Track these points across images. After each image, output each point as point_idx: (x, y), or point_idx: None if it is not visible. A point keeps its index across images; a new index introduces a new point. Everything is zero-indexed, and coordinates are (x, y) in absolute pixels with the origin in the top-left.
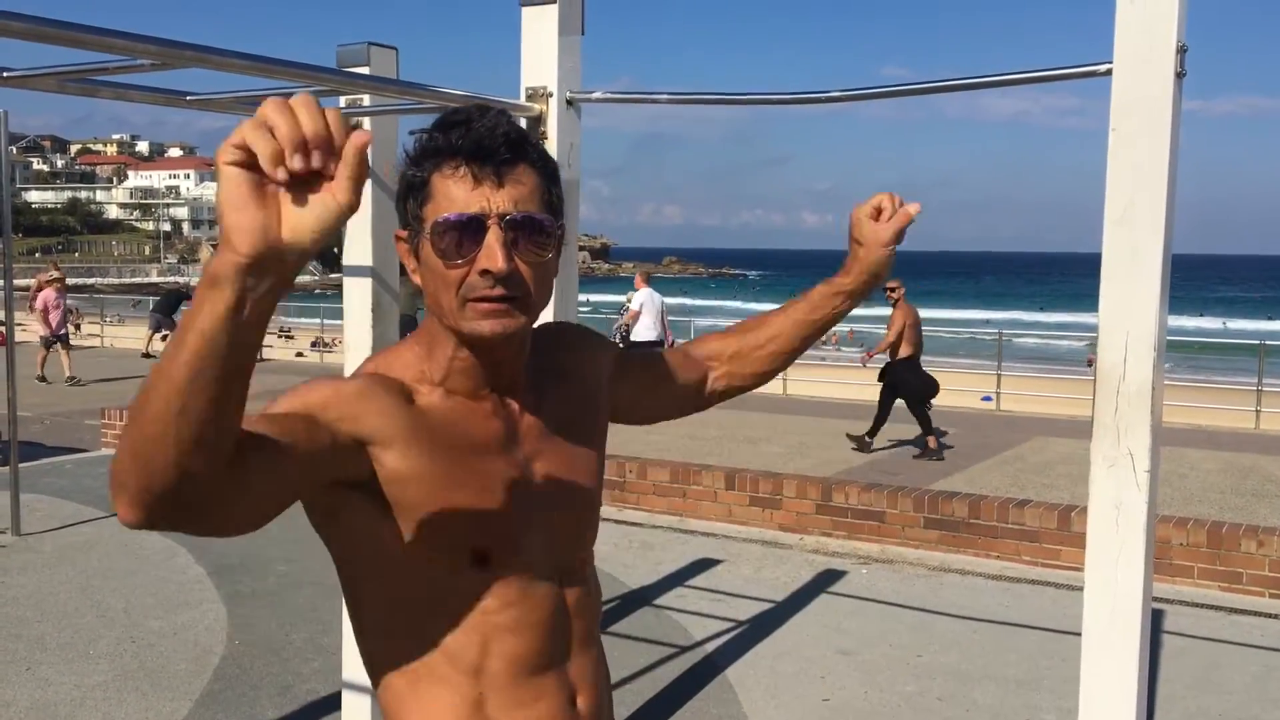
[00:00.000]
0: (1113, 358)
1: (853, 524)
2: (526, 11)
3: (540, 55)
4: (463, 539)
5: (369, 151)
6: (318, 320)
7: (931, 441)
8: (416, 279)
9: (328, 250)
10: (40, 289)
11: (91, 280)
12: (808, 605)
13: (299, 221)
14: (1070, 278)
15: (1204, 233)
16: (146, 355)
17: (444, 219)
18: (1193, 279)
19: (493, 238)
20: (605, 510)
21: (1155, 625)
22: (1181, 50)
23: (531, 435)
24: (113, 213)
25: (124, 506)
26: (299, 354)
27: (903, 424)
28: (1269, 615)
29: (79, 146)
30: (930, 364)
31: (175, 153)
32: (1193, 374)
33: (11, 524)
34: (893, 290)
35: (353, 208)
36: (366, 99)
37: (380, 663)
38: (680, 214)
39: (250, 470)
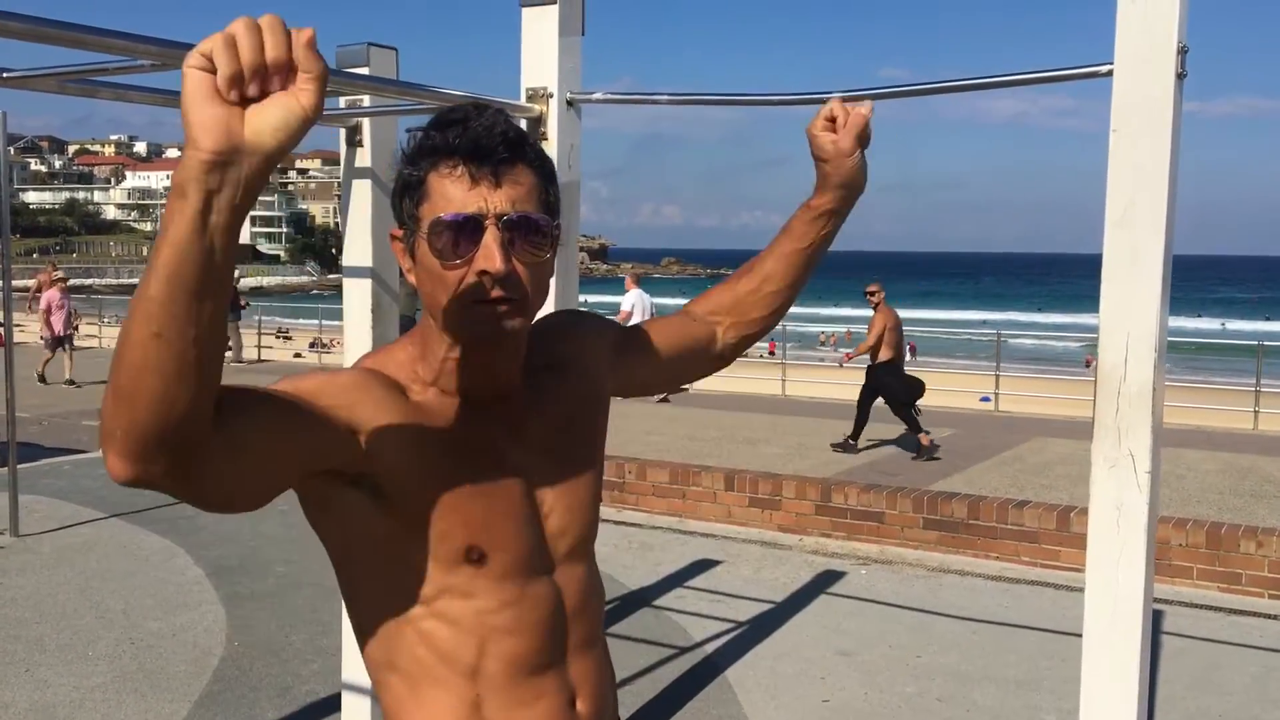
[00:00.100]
0: (1113, 358)
1: (852, 525)
2: (527, 12)
3: (540, 56)
4: (457, 536)
5: (367, 146)
6: (316, 321)
7: (924, 439)
8: (412, 279)
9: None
10: (42, 289)
11: (89, 281)
12: (807, 606)
13: (261, 122)
14: (1068, 278)
15: (1202, 233)
16: None
17: (441, 219)
18: (1191, 280)
19: (490, 238)
20: (605, 511)
21: (1155, 626)
22: (1182, 51)
23: (527, 435)
24: (110, 213)
25: (113, 456)
26: (297, 354)
27: (896, 425)
28: (1268, 616)
29: (77, 147)
30: (929, 364)
31: (173, 153)
32: (1191, 375)
33: (10, 525)
34: (872, 294)
35: (316, 110)
36: (366, 99)
37: (379, 664)
38: (679, 215)
39: (240, 431)
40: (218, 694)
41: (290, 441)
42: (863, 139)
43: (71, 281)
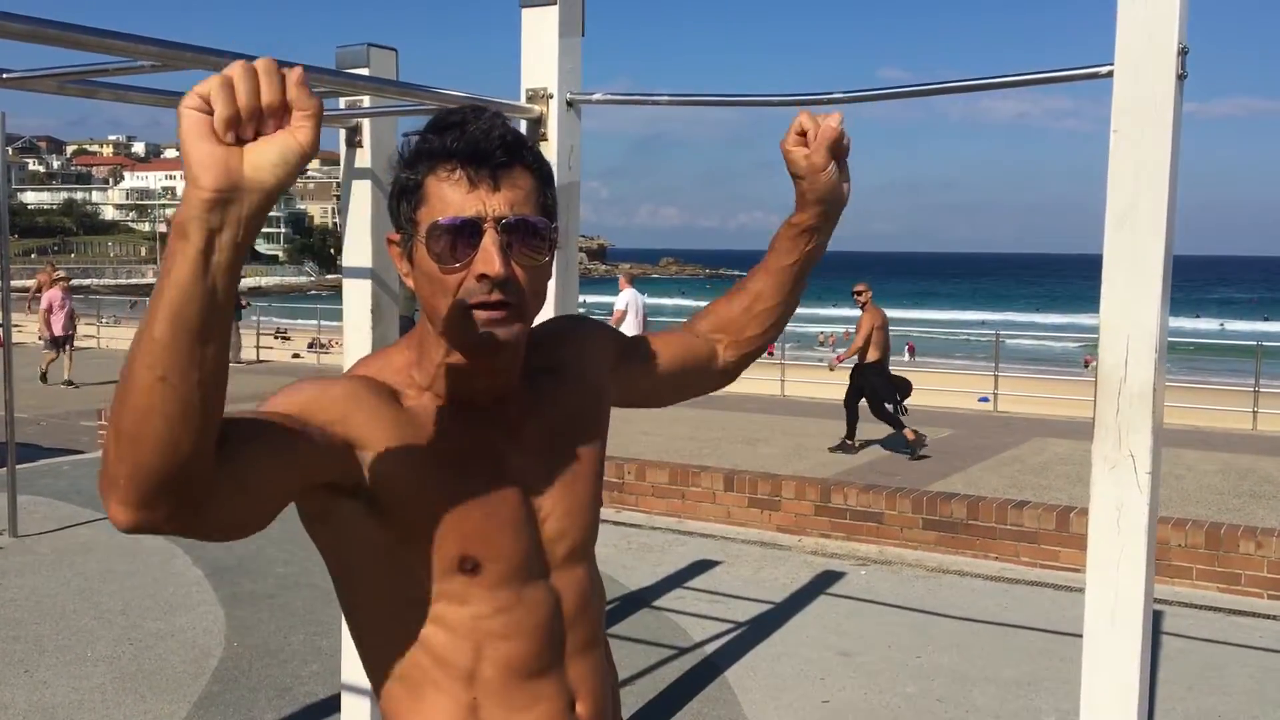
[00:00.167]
0: (1114, 359)
1: (851, 525)
2: (527, 13)
3: (540, 57)
4: (450, 546)
5: (367, 147)
6: (314, 321)
7: (909, 434)
8: (410, 283)
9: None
10: (42, 289)
11: (87, 281)
12: (807, 606)
13: (260, 158)
14: (1067, 279)
15: (1200, 234)
16: None
17: (439, 223)
18: (1190, 280)
19: (489, 241)
20: (604, 512)
21: (1154, 626)
22: (1183, 52)
23: (525, 439)
24: (108, 214)
25: (116, 505)
26: (296, 355)
27: (907, 425)
28: (1267, 616)
29: (75, 147)
30: (927, 365)
31: (171, 154)
32: (1190, 375)
33: (9, 526)
34: (860, 293)
35: (313, 146)
36: (366, 100)
37: (377, 669)
38: (678, 215)
39: (242, 465)
40: (217, 695)
41: (291, 466)
42: (836, 151)
43: (70, 282)
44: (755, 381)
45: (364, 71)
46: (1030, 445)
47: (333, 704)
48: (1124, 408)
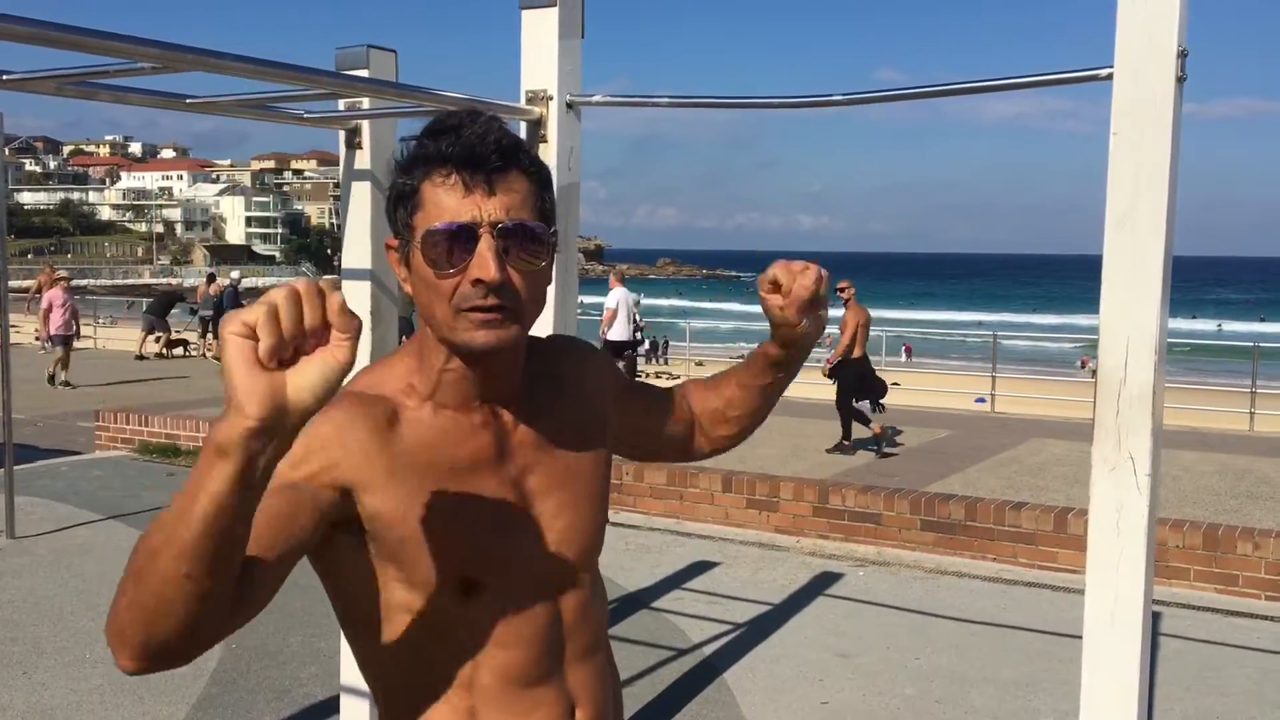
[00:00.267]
0: (1114, 361)
1: (849, 526)
2: (526, 15)
3: (540, 58)
4: (450, 570)
5: (366, 148)
6: None
7: (875, 428)
8: (408, 288)
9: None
10: (42, 289)
11: (84, 282)
12: (805, 608)
13: (303, 381)
14: (1064, 280)
15: (1198, 235)
16: (140, 357)
17: (434, 228)
18: (1187, 281)
19: (485, 246)
20: None
21: (1153, 627)
22: (1182, 54)
23: (526, 447)
24: (105, 214)
25: (127, 659)
26: None
27: (901, 425)
28: (1265, 617)
29: (72, 148)
30: (924, 365)
31: (168, 154)
32: (1187, 376)
33: (6, 527)
34: (843, 290)
35: (351, 363)
36: (366, 102)
37: (375, 674)
38: (675, 215)
39: (250, 585)
40: (215, 697)
41: (292, 553)
42: (810, 307)
43: (71, 282)
44: None
45: (363, 73)
46: (1027, 446)
47: (331, 705)
48: (1124, 409)
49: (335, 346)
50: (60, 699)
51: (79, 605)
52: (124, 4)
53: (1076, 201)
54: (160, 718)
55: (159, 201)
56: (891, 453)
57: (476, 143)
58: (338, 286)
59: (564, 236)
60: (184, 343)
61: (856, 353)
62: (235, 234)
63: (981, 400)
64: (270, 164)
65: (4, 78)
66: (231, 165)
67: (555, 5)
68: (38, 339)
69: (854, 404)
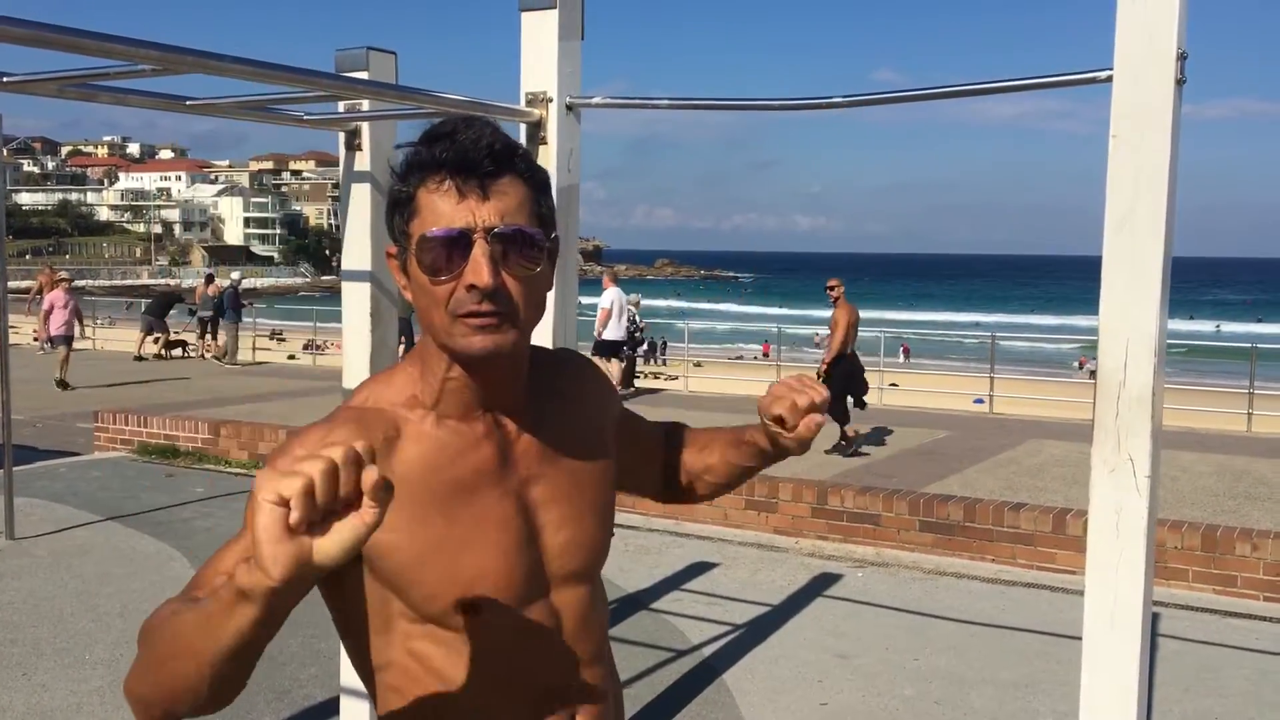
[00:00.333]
0: (1113, 363)
1: (848, 527)
2: (526, 17)
3: (540, 60)
4: (449, 593)
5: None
6: (310, 323)
7: (849, 431)
8: (408, 295)
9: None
10: (43, 290)
11: (82, 282)
12: (804, 609)
13: (330, 546)
14: (1062, 280)
15: (1195, 236)
16: (138, 358)
17: (428, 234)
18: (1185, 282)
19: (479, 252)
20: None
21: (1151, 629)
22: (1182, 57)
23: (530, 457)
24: (104, 215)
25: None
26: (291, 356)
27: (899, 426)
28: (1263, 618)
29: (70, 148)
30: (921, 366)
31: (166, 155)
32: (1185, 377)
33: (6, 528)
34: (833, 288)
35: (379, 524)
36: (365, 104)
37: (373, 680)
38: (673, 216)
39: None
40: None
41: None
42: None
43: (74, 283)
44: (751, 383)
45: (363, 75)
46: (1026, 447)
47: (331, 707)
48: (1123, 411)
49: (366, 510)
50: (60, 700)
51: (78, 606)
52: (122, 3)
53: (1074, 202)
54: None
55: (157, 202)
56: (864, 453)
57: (470, 148)
58: (371, 455)
59: (564, 239)
60: (183, 344)
61: (844, 350)
62: (233, 235)
63: (980, 401)
64: (268, 165)
65: (5, 80)
66: (230, 166)
67: (555, 7)
68: (36, 339)
69: (841, 401)
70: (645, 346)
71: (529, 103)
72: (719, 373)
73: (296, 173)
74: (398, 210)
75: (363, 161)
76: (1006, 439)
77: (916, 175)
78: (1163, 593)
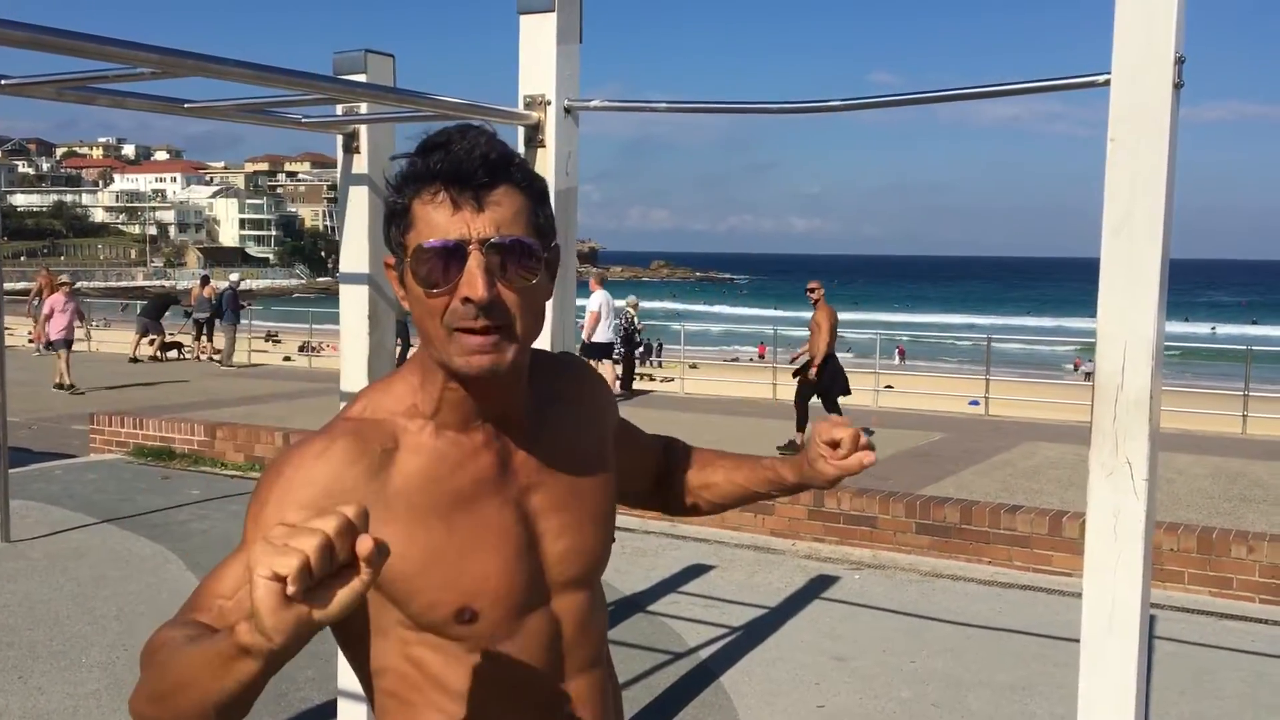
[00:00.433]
0: (1111, 366)
1: (845, 529)
2: (525, 20)
3: (539, 63)
4: (447, 603)
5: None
6: (306, 325)
7: (799, 439)
8: (407, 306)
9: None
10: (43, 293)
11: (78, 284)
12: (801, 611)
13: (328, 607)
14: (1058, 282)
15: (1190, 238)
16: (134, 360)
17: (423, 246)
18: (1180, 284)
19: (474, 264)
20: None
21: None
22: (1180, 61)
23: (529, 466)
24: (99, 216)
25: None
26: (287, 358)
27: (895, 428)
28: (1259, 620)
29: (65, 150)
30: (916, 369)
31: (161, 156)
32: (1181, 379)
33: (1, 530)
34: (812, 290)
35: (374, 580)
36: (363, 106)
37: (372, 685)
38: (669, 218)
39: None
40: None
41: None
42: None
43: (74, 285)
44: (748, 385)
45: (361, 78)
46: (1021, 449)
47: (329, 709)
48: (1121, 415)
49: (363, 572)
50: (56, 704)
51: (74, 609)
52: (120, 3)
53: (1070, 205)
54: None
55: (152, 204)
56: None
57: (464, 158)
58: (364, 520)
59: (562, 243)
60: (178, 345)
61: (830, 351)
62: (229, 236)
63: (975, 403)
64: (264, 166)
65: (3, 82)
66: (225, 167)
67: (554, 10)
68: (31, 342)
69: (806, 403)
70: (642, 349)
71: (527, 106)
72: (714, 374)
73: (292, 174)
74: (394, 222)
75: (360, 164)
76: (1002, 441)
77: (913, 177)
78: (1159, 595)
